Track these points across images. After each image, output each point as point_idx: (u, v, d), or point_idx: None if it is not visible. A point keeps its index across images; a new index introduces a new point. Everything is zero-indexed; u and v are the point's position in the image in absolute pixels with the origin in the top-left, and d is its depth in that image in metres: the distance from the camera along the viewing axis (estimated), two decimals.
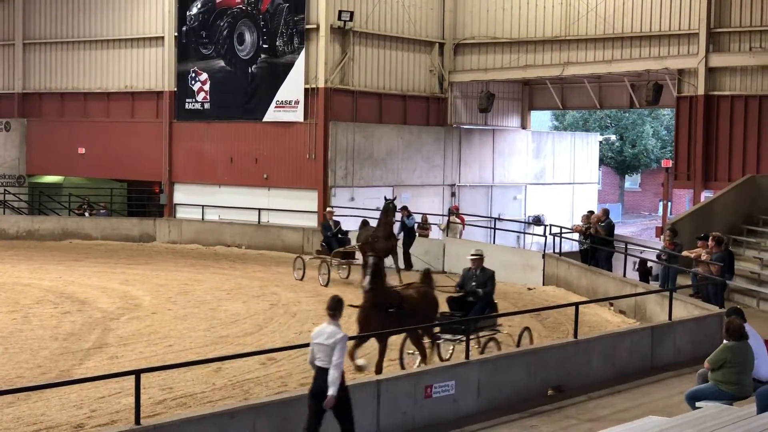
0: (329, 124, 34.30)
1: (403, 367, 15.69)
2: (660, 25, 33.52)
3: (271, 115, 35.40)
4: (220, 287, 26.42)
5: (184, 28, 37.41)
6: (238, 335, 19.92)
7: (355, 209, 33.67)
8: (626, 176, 68.49)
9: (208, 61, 36.84)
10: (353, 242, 27.80)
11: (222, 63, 36.48)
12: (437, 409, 13.72)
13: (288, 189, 35.47)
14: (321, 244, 28.22)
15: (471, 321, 16.43)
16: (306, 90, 34.52)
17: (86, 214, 39.54)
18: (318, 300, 24.77)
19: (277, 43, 35.09)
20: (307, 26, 34.44)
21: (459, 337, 16.62)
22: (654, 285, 24.78)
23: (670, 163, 38.18)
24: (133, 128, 39.36)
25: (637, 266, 26.07)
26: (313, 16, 34.38)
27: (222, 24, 36.34)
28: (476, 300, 17.12)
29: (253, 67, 35.74)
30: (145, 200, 41.24)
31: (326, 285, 26.55)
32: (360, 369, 14.61)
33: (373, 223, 27.33)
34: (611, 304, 23.77)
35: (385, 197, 27.98)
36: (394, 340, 16.15)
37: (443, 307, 17.22)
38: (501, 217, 37.56)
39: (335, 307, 11.56)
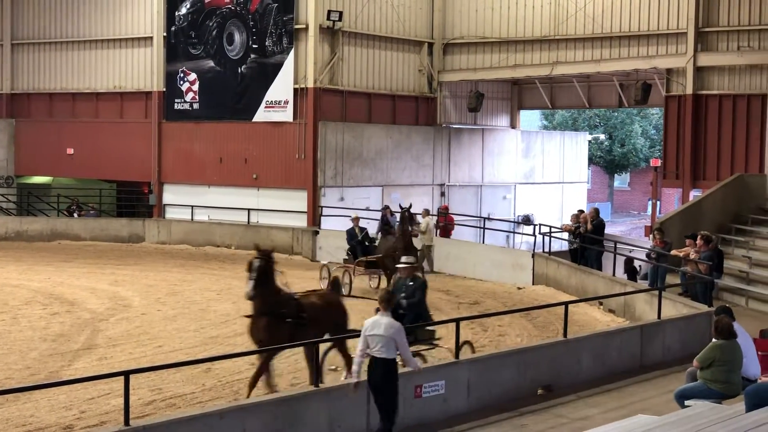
0: (318, 124, 34.29)
1: (316, 384, 12.99)
2: (648, 24, 33.60)
3: (261, 115, 35.37)
4: (209, 288, 26.39)
5: (172, 28, 37.34)
6: (228, 336, 19.91)
7: (345, 209, 33.67)
8: (615, 175, 68.62)
9: (197, 61, 36.78)
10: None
11: (211, 63, 36.43)
12: (427, 408, 13.73)
13: (277, 189, 35.44)
14: (347, 252, 27.21)
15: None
16: (295, 90, 34.49)
17: (75, 214, 39.45)
18: None
19: (267, 43, 35.06)
20: (296, 26, 34.42)
21: None
22: (642, 284, 24.83)
23: (658, 162, 38.24)
24: (122, 129, 39.28)
25: (623, 266, 26.12)
26: (302, 16, 34.37)
27: (211, 24, 36.28)
28: (405, 312, 15.24)
29: (243, 67, 35.71)
30: (134, 201, 41.16)
31: (347, 295, 24.24)
32: (271, 388, 13.66)
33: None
34: (601, 304, 23.82)
35: (400, 205, 26.80)
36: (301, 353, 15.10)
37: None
38: (490, 216, 37.60)
39: (388, 299, 12.18)
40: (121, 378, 11.14)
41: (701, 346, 13.50)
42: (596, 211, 27.78)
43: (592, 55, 34.95)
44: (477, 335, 20.07)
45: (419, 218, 29.68)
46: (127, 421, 10.87)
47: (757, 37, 31.27)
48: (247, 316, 14.47)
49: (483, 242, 32.98)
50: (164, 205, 38.26)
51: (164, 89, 37.78)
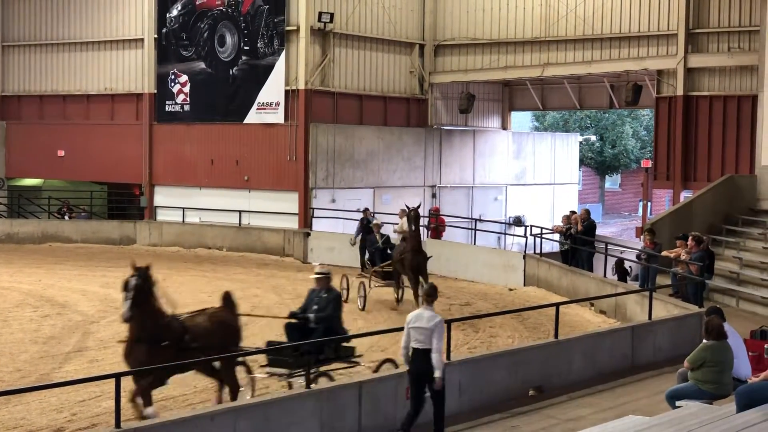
0: (310, 126, 34.28)
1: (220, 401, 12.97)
2: (639, 26, 33.68)
3: (252, 116, 35.34)
4: (201, 289, 26.35)
5: (163, 30, 37.30)
6: None
7: (336, 211, 33.68)
8: (606, 176, 68.73)
9: (189, 62, 36.74)
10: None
11: (202, 65, 36.40)
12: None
13: (269, 191, 35.41)
14: (366, 260, 26.02)
15: (305, 352, 13.86)
16: (287, 92, 34.48)
17: (66, 217, 39.37)
18: (299, 302, 24.71)
19: (258, 44, 35.04)
20: (288, 28, 34.41)
21: (295, 371, 14.14)
22: (633, 285, 24.88)
23: (649, 164, 38.31)
24: (113, 130, 39.22)
25: (613, 267, 26.16)
26: (294, 17, 34.36)
27: (202, 26, 36.25)
28: (314, 327, 14.53)
29: (234, 68, 35.68)
30: (126, 203, 41.09)
31: (363, 309, 23.64)
32: (144, 418, 12.40)
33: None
34: (592, 305, 23.86)
35: (406, 205, 24.88)
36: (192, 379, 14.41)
37: (280, 336, 15.14)
38: (482, 218, 37.62)
39: (431, 294, 12.57)
40: (112, 380, 11.12)
41: (692, 347, 13.52)
42: (587, 212, 27.81)
43: (582, 57, 35.01)
44: (468, 336, 20.10)
45: (396, 218, 29.56)
46: (118, 424, 10.84)
47: (747, 38, 31.35)
48: (122, 341, 13.09)
49: (474, 243, 32.99)
50: (155, 207, 38.21)
51: (155, 91, 37.74)
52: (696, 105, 32.32)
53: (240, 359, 13.95)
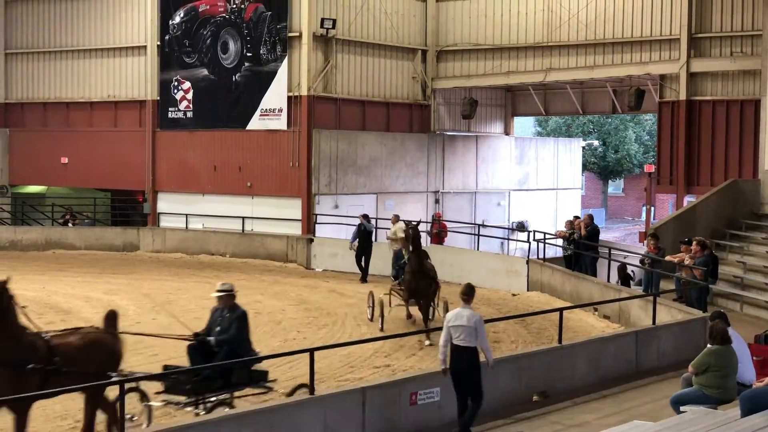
0: (313, 132, 34.30)
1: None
2: (641, 30, 33.69)
3: (255, 123, 35.37)
4: (204, 296, 26.29)
5: (166, 37, 37.35)
6: None
7: (340, 217, 33.67)
8: (609, 181, 68.70)
9: (191, 69, 36.79)
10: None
11: (205, 71, 36.44)
12: (422, 415, 13.73)
13: (272, 197, 35.43)
14: (392, 277, 24.42)
15: (204, 378, 12.92)
16: (289, 98, 34.50)
17: (70, 224, 39.40)
18: (303, 308, 24.80)
19: (261, 51, 35.08)
20: (290, 34, 34.44)
21: (193, 399, 12.96)
22: (637, 290, 24.86)
23: (652, 168, 38.31)
24: (116, 137, 39.26)
25: (618, 272, 26.15)
26: (296, 24, 34.40)
27: (205, 33, 36.30)
28: (216, 350, 13.40)
29: (237, 75, 35.72)
30: (129, 209, 41.11)
31: (381, 329, 21.69)
32: None
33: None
34: (595, 310, 23.84)
35: (404, 222, 23.37)
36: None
37: (181, 359, 14.03)
38: (485, 223, 37.62)
39: (468, 293, 13.09)
40: (116, 387, 11.11)
41: (696, 352, 13.52)
42: (590, 217, 27.81)
43: (585, 62, 35.02)
44: None
45: (389, 223, 29.49)
46: (122, 430, 10.85)
47: (749, 42, 31.36)
48: None
49: (478, 249, 32.99)
50: (159, 213, 38.24)
51: (158, 98, 37.78)
52: (699, 109, 32.32)
53: (134, 385, 12.66)
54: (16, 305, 11.88)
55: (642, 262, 24.65)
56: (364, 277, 29.29)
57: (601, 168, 65.25)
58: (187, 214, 36.97)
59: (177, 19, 37.03)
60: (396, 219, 28.69)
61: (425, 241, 31.98)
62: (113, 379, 11.99)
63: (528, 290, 27.96)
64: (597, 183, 68.75)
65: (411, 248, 21.19)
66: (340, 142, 35.11)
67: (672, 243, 25.01)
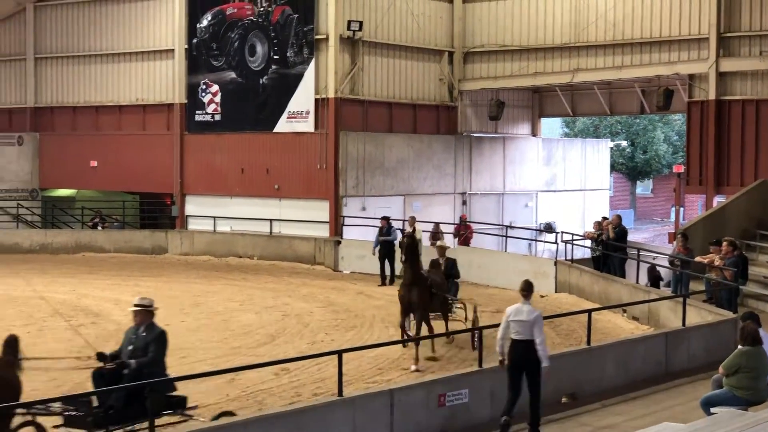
0: (340, 134, 34.35)
1: None
2: (670, 30, 33.48)
3: (283, 125, 35.46)
4: (232, 298, 26.45)
5: (194, 41, 37.52)
6: (250, 346, 19.95)
7: (367, 219, 33.65)
8: (638, 182, 68.36)
9: (219, 72, 36.93)
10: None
11: (233, 74, 36.57)
12: (451, 417, 13.72)
13: (299, 199, 35.50)
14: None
15: (108, 408, 11.54)
16: (316, 100, 34.58)
17: (99, 227, 39.66)
18: (330, 311, 24.83)
19: (288, 53, 35.17)
20: (317, 37, 34.51)
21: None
22: (666, 291, 24.72)
23: (681, 169, 38.06)
24: (145, 141, 39.48)
25: (647, 273, 26.02)
26: (323, 26, 34.46)
27: (233, 36, 36.43)
28: (133, 374, 12.00)
29: (264, 78, 35.83)
30: (157, 212, 41.34)
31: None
32: None
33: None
34: (624, 311, 23.73)
35: (402, 231, 21.28)
36: None
37: (85, 385, 12.87)
38: (512, 224, 37.52)
39: (527, 289, 13.47)
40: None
41: (726, 353, 13.44)
42: (619, 218, 27.70)
43: (613, 62, 34.85)
44: None
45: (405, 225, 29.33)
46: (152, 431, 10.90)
47: None
48: None
49: (505, 250, 32.90)
50: (187, 216, 38.41)
51: (186, 101, 37.96)
52: (728, 109, 32.07)
53: (30, 419, 11.42)
54: None
55: (671, 263, 24.50)
56: (384, 282, 29.15)
57: (629, 169, 64.92)
58: (215, 217, 37.12)
59: (204, 23, 37.19)
60: (413, 221, 28.68)
61: (451, 243, 31.97)
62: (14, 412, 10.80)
63: (556, 292, 27.86)
64: (625, 184, 68.41)
65: (403, 259, 19.00)
66: (367, 144, 35.13)
67: (701, 244, 24.85)
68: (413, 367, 17.79)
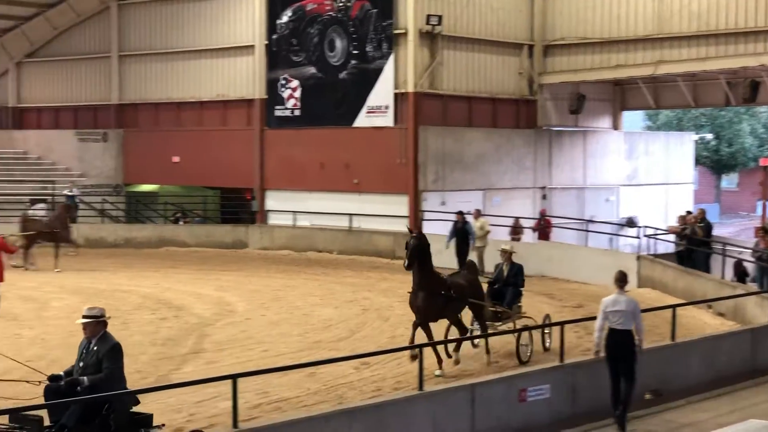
0: (419, 129, 34.30)
1: None
2: (756, 20, 32.74)
3: (362, 120, 35.55)
4: (312, 293, 26.58)
5: (274, 36, 37.80)
6: (331, 340, 20.01)
7: (447, 213, 33.53)
8: (723, 176, 67.13)
9: (299, 68, 37.15)
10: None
11: (313, 70, 36.76)
12: (532, 413, 13.60)
13: (378, 194, 35.53)
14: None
15: (60, 427, 10.11)
16: (396, 95, 34.58)
17: (180, 222, 40.19)
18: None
19: (367, 48, 35.24)
20: (396, 31, 34.51)
21: None
22: (753, 286, 24.22)
23: None
24: (226, 136, 39.90)
25: (733, 268, 25.53)
26: (402, 21, 34.44)
27: (312, 31, 36.63)
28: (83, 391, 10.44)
29: (344, 73, 35.95)
30: (238, 207, 41.76)
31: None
32: None
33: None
34: (710, 307, 23.29)
35: (409, 230, 17.88)
36: None
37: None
38: (593, 219, 37.12)
39: (623, 279, 13.82)
40: (229, 381, 11.27)
41: None
42: (703, 212, 27.22)
43: (697, 53, 34.21)
44: (581, 339, 19.83)
45: (469, 218, 29.21)
46: (235, 424, 10.99)
47: None
48: None
49: (586, 245, 32.55)
50: (266, 211, 38.73)
51: (266, 96, 38.27)
52: None
53: None
54: None
55: (759, 257, 23.99)
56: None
57: (714, 162, 63.81)
58: (294, 212, 37.34)
59: (284, 19, 37.44)
60: (478, 214, 28.43)
61: (531, 238, 31.70)
62: None
63: (638, 287, 27.44)
64: (710, 177, 67.25)
65: (406, 263, 16.83)
66: (446, 139, 35.04)
67: None
68: (438, 372, 16.49)
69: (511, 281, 18.74)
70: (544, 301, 24.94)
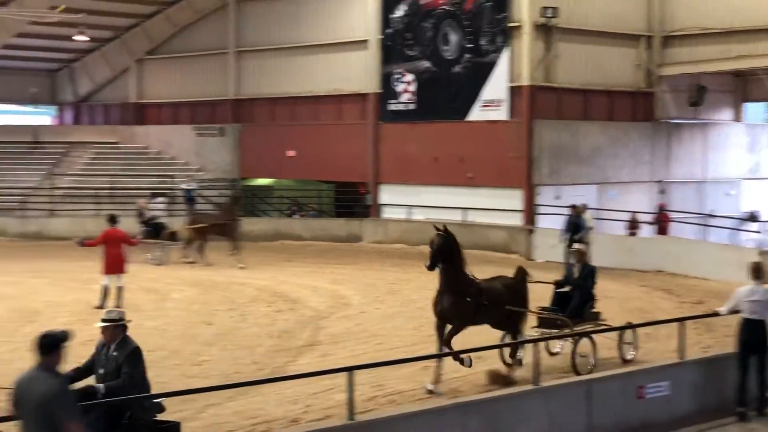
0: (533, 122, 33.99)
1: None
2: None
3: (476, 114, 35.43)
4: (426, 286, 26.45)
5: (388, 31, 37.94)
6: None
7: (561, 207, 33.17)
8: None
9: (414, 62, 37.21)
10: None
11: (427, 64, 36.77)
12: (651, 410, 13.36)
13: (492, 188, 35.34)
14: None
15: None
16: (510, 88, 34.34)
17: (296, 215, 40.66)
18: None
19: (481, 42, 35.09)
20: (511, 24, 34.26)
21: None
22: None
23: None
24: (340, 130, 40.20)
25: None
26: (517, 13, 34.18)
27: (427, 25, 36.65)
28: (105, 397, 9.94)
29: (458, 66, 35.87)
30: (352, 201, 42.05)
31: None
32: None
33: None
34: None
35: (435, 227, 16.36)
36: None
37: None
38: (713, 213, 36.24)
39: (758, 269, 13.97)
40: (344, 374, 11.37)
41: None
42: None
43: None
44: (701, 335, 19.41)
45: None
46: (351, 416, 11.08)
47: None
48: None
49: (705, 240, 31.81)
50: (380, 205, 38.90)
51: (380, 91, 38.43)
52: None
53: None
54: None
55: None
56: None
57: None
58: (408, 206, 37.42)
59: (398, 13, 37.55)
60: (583, 209, 28.06)
61: (648, 232, 31.10)
62: None
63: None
64: None
65: (428, 263, 15.90)
66: (561, 132, 34.66)
67: None
68: (429, 386, 15.14)
69: (580, 283, 17.26)
70: (662, 297, 24.53)
